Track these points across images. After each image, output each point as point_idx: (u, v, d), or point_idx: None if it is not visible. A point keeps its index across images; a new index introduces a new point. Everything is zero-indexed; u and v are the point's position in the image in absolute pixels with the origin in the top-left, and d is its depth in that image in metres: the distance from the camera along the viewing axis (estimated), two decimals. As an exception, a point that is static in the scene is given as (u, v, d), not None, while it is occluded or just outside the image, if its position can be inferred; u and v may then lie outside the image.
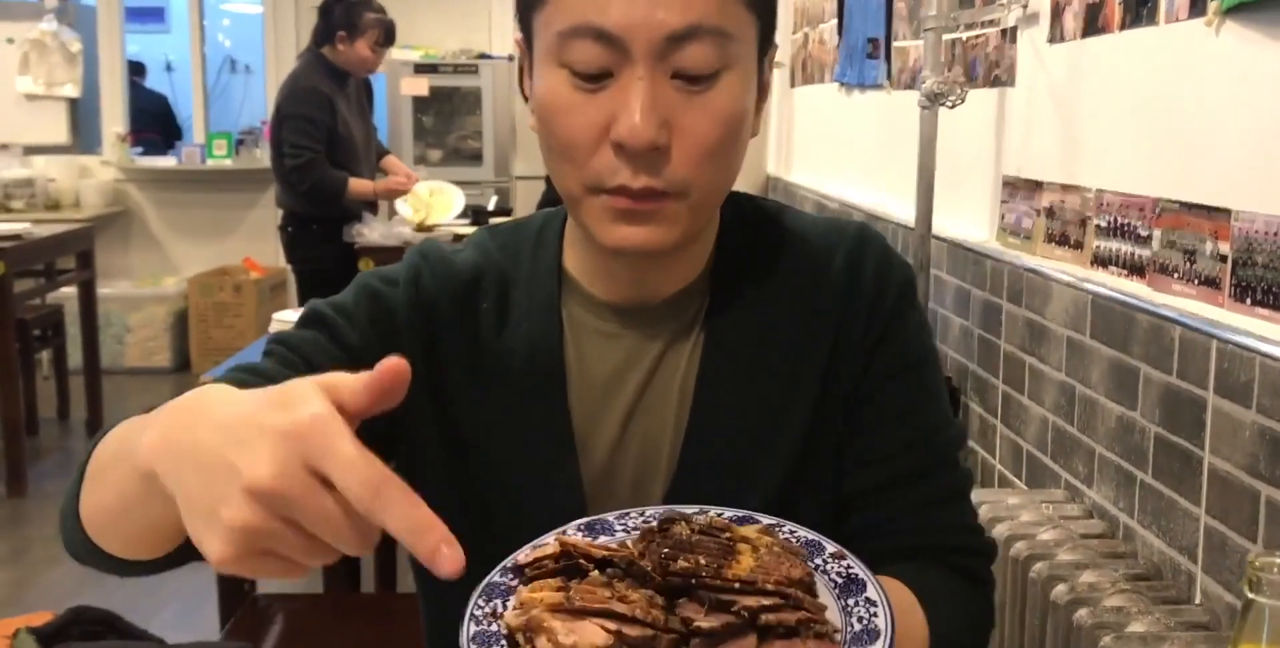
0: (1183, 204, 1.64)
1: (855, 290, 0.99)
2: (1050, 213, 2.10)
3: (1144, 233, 1.75)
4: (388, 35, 4.52)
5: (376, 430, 0.99)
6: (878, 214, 3.15)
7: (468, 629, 0.76)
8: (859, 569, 0.80)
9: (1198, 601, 1.50)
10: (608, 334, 0.99)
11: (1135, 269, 1.77)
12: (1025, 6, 2.20)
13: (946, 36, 2.52)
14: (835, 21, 3.79)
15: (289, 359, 0.96)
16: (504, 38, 6.81)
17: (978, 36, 2.47)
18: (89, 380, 5.15)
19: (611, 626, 0.72)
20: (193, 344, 6.44)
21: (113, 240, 6.76)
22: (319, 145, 4.38)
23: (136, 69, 7.91)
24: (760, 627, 0.73)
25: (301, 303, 4.64)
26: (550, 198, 3.76)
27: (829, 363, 0.98)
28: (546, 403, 0.98)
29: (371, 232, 4.57)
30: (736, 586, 0.73)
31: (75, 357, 5.28)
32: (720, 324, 0.99)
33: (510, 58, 6.59)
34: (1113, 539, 1.70)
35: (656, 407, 0.99)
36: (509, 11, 6.68)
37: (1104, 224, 1.88)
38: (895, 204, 3.08)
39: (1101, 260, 1.88)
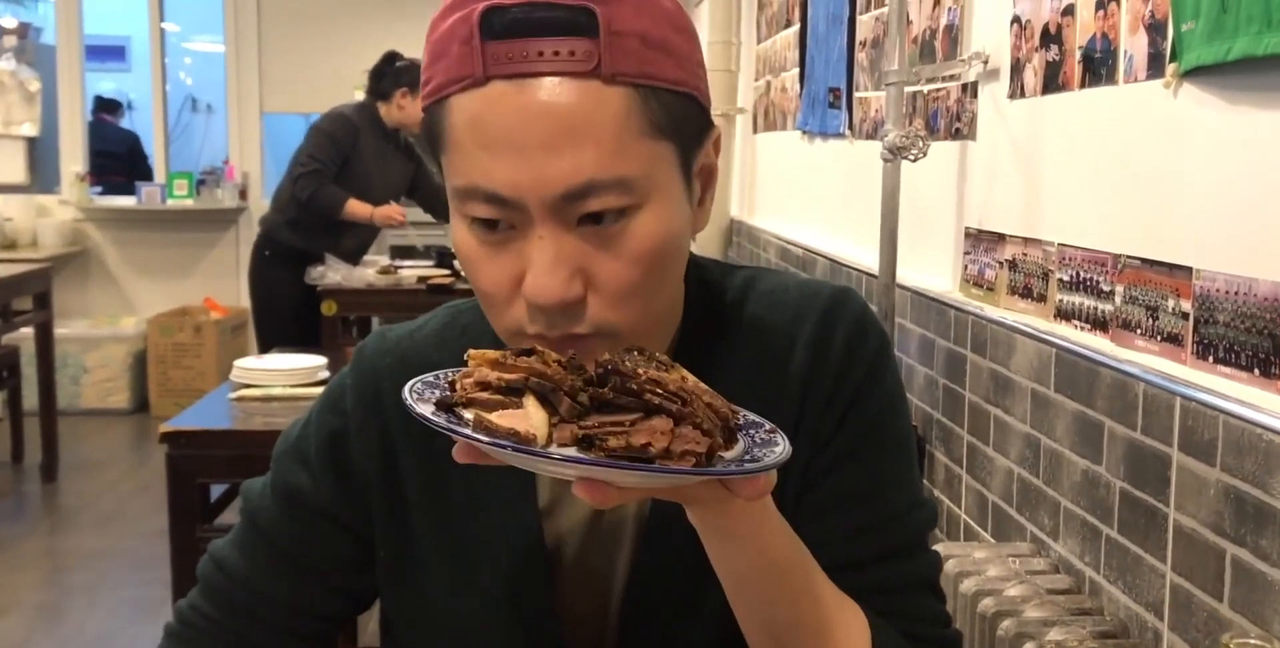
0: (1144, 261, 1.66)
1: (821, 365, 0.96)
2: (1013, 265, 2.12)
3: (1106, 288, 1.77)
4: None
5: (349, 553, 1.01)
6: (842, 261, 3.18)
7: (421, 378, 0.82)
8: (780, 437, 0.82)
9: (1164, 658, 1.51)
10: None
11: (1098, 324, 1.79)
12: (985, 62, 2.23)
13: (908, 89, 2.55)
14: (797, 70, 3.83)
15: (283, 559, 1.02)
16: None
17: (938, 90, 2.50)
18: (45, 422, 5.09)
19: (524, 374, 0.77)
20: (151, 385, 6.38)
21: (71, 280, 6.70)
22: (331, 164, 4.56)
23: (110, 107, 7.86)
24: (651, 410, 0.75)
25: (260, 340, 4.61)
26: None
27: (791, 439, 0.96)
28: (515, 493, 0.97)
29: (334, 273, 4.57)
30: (643, 379, 0.76)
31: (31, 398, 5.22)
32: None
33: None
34: (1079, 595, 1.71)
35: None
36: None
37: (1066, 278, 1.90)
38: (858, 251, 3.10)
39: (1064, 314, 1.90)
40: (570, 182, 0.80)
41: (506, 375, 0.77)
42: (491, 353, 0.78)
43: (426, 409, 0.76)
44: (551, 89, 0.80)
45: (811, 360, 0.96)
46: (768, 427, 0.83)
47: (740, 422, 0.81)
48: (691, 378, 0.79)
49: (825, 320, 0.97)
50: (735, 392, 0.96)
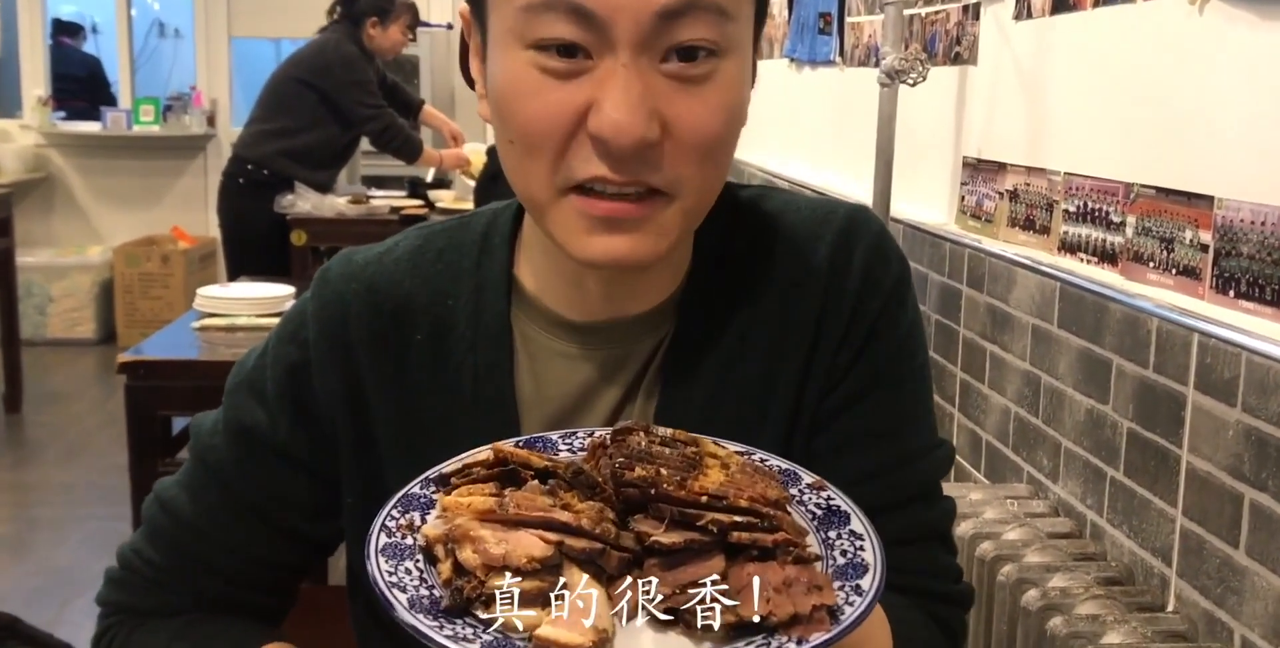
0: (1160, 190, 1.57)
1: (838, 290, 0.87)
2: (1014, 196, 2.03)
3: (1117, 219, 1.68)
4: (415, 18, 4.57)
5: (308, 497, 0.91)
6: (832, 194, 3.08)
7: (376, 541, 0.63)
8: (840, 501, 0.71)
9: (1171, 607, 1.44)
10: (570, 356, 0.87)
11: (1107, 257, 1.70)
12: (991, -19, 2.12)
13: (906, 12, 2.43)
14: (787, -6, 3.70)
15: (235, 503, 0.93)
16: (442, 5, 6.65)
17: (937, 13, 2.39)
18: (8, 352, 4.98)
19: (553, 537, 0.60)
20: (118, 315, 6.25)
21: (34, 207, 6.53)
22: (385, 102, 4.48)
23: (70, 30, 7.60)
24: (729, 546, 0.61)
25: (230, 268, 4.49)
26: (495, 170, 3.66)
27: (804, 375, 0.87)
28: (495, 432, 0.85)
29: (304, 202, 4.44)
30: (703, 500, 0.62)
31: (-7, 328, 5.09)
32: (692, 342, 0.87)
33: (449, 26, 6.42)
34: (1081, 539, 1.64)
35: None
36: (448, -22, 6.52)
37: (1072, 209, 1.81)
38: (849, 183, 3.01)
39: (1069, 247, 1.81)
40: None
41: (534, 553, 0.58)
42: (478, 500, 0.63)
43: (433, 628, 0.57)
44: None
45: (825, 290, 0.87)
46: (808, 480, 0.73)
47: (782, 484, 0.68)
48: (725, 452, 0.67)
49: (841, 245, 0.88)
50: (746, 330, 0.87)
